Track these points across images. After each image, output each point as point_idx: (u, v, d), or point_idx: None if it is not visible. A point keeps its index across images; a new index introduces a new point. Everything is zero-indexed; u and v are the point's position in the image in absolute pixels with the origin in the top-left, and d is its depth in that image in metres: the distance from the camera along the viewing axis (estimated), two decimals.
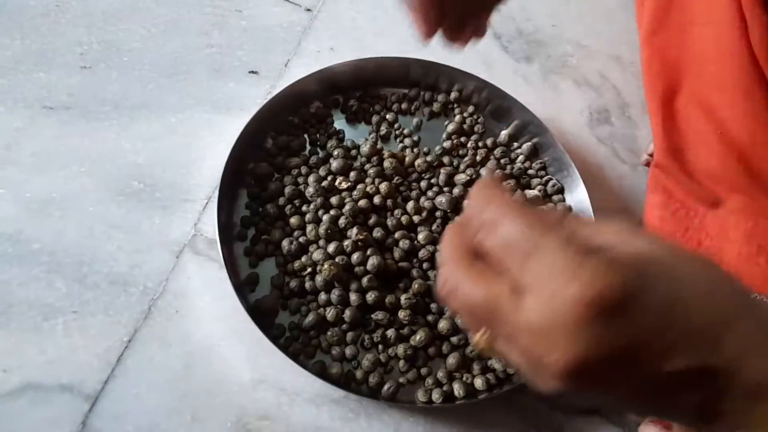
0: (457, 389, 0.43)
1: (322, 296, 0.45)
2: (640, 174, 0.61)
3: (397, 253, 0.47)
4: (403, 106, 0.57)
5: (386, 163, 0.51)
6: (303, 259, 0.47)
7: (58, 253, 0.46)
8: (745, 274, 0.50)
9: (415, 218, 0.49)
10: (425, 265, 0.48)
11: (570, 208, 0.54)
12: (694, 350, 0.22)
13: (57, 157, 0.50)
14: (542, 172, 0.55)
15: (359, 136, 0.55)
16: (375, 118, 0.56)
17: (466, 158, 0.54)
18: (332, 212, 0.48)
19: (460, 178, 0.51)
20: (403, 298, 0.45)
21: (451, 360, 0.45)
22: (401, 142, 0.56)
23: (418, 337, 0.44)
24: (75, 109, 0.52)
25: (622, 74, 0.67)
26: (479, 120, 0.58)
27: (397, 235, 0.48)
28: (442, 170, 0.51)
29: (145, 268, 0.47)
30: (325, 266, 0.44)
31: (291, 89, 0.52)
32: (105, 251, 0.47)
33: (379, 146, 0.53)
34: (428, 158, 0.53)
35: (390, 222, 0.49)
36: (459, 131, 0.57)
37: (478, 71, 0.56)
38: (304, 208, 0.49)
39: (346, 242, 0.46)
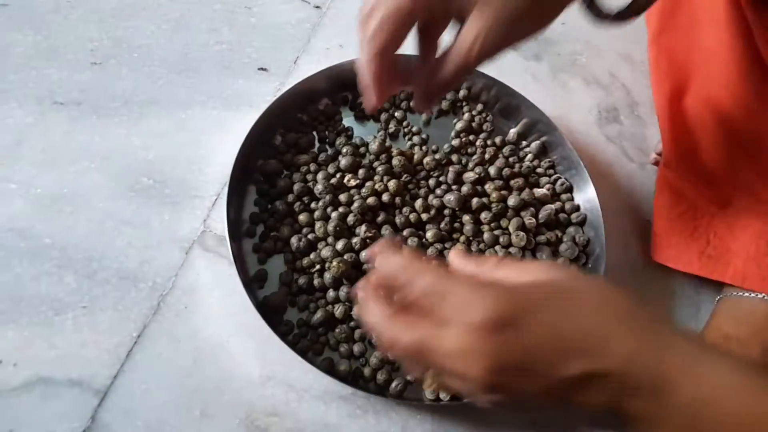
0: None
1: (331, 293, 0.45)
2: (649, 173, 0.61)
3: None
4: (412, 103, 0.57)
5: (395, 161, 0.51)
6: (311, 256, 0.47)
7: (69, 249, 0.46)
8: (753, 273, 0.49)
9: (424, 216, 0.49)
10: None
11: (579, 207, 0.53)
12: (584, 356, 0.27)
13: (67, 152, 0.50)
14: (551, 171, 0.55)
15: (368, 133, 0.55)
16: (384, 116, 0.56)
17: (475, 156, 0.54)
18: (341, 209, 0.48)
19: (469, 176, 0.51)
20: None
21: None
22: (410, 139, 0.56)
23: None
24: (85, 105, 0.52)
25: (632, 73, 0.67)
26: (488, 118, 0.57)
27: (405, 232, 0.48)
28: (451, 168, 0.51)
29: (154, 264, 0.47)
30: (334, 263, 0.44)
31: (300, 86, 0.52)
32: (115, 247, 0.47)
33: (387, 144, 0.53)
34: (437, 156, 0.53)
35: (398, 220, 0.49)
36: (468, 129, 0.57)
37: (486, 69, 0.56)
38: (312, 205, 0.49)
39: (355, 239, 0.46)
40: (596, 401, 0.27)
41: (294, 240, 0.47)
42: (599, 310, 0.28)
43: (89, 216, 0.48)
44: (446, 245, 0.49)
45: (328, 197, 0.48)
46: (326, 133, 0.54)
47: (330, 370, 0.43)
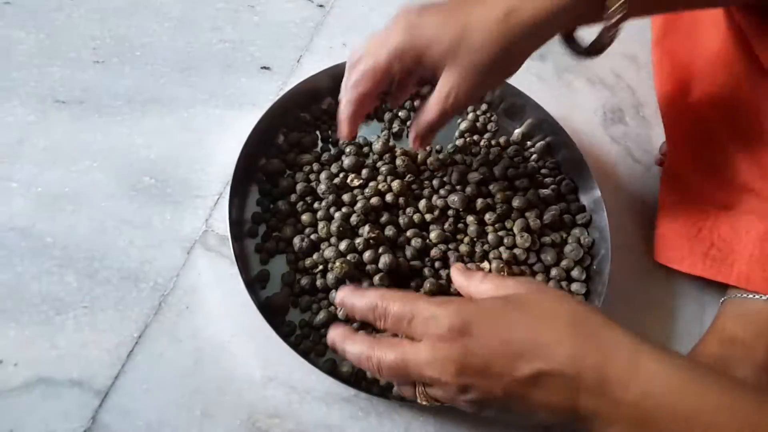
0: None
1: (333, 294, 0.45)
2: (654, 174, 0.60)
3: (409, 252, 0.47)
4: (416, 103, 0.56)
5: (398, 161, 0.50)
6: (314, 256, 0.46)
7: (70, 248, 0.46)
8: (758, 275, 0.49)
9: (428, 216, 0.49)
10: (437, 264, 0.47)
11: (584, 207, 0.53)
12: (534, 357, 0.30)
13: (69, 151, 0.50)
14: (555, 171, 0.55)
15: (371, 133, 0.55)
16: (387, 116, 0.56)
17: (479, 156, 0.54)
18: (344, 210, 0.47)
19: (473, 176, 0.50)
20: None
21: None
22: None
23: None
24: (87, 103, 0.52)
25: (637, 73, 0.67)
26: (492, 118, 0.57)
27: (409, 233, 0.48)
28: (455, 168, 0.51)
29: (156, 263, 0.47)
30: (337, 264, 0.44)
31: (303, 85, 0.51)
32: (116, 246, 0.47)
33: (391, 143, 0.53)
34: (441, 156, 0.53)
35: (402, 220, 0.48)
36: (472, 129, 0.56)
37: None
38: (315, 205, 0.49)
39: (358, 240, 0.46)
40: (552, 400, 0.31)
41: (296, 240, 0.46)
42: (551, 318, 0.32)
43: (91, 215, 0.47)
44: (450, 246, 0.48)
45: (331, 197, 0.48)
46: (329, 132, 0.54)
47: (332, 371, 0.43)
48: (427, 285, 0.45)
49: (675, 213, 0.55)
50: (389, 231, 0.47)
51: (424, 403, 0.35)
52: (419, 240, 0.47)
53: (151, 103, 0.53)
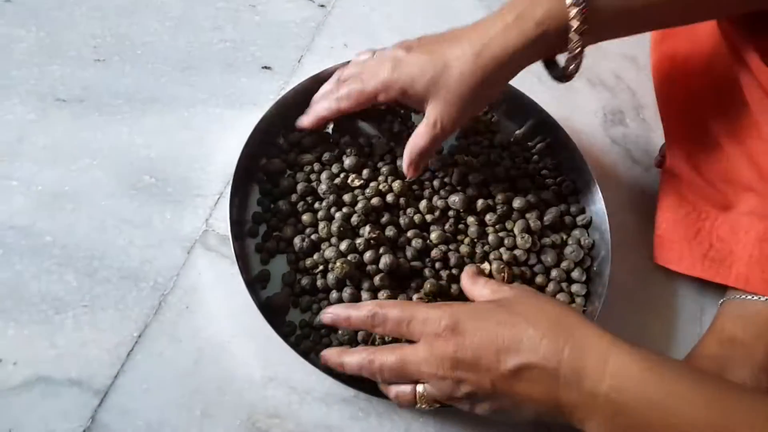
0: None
1: (334, 294, 0.45)
2: (654, 176, 0.60)
3: (409, 252, 0.47)
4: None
5: (399, 161, 0.50)
6: (315, 256, 0.46)
7: (70, 247, 0.46)
8: (756, 276, 0.49)
9: (428, 217, 0.49)
10: (437, 265, 0.47)
11: (584, 209, 0.53)
12: (517, 353, 0.34)
13: (69, 150, 0.50)
14: (556, 173, 0.55)
15: (372, 133, 0.55)
16: (388, 116, 0.55)
17: (480, 157, 0.54)
18: (345, 210, 0.47)
19: (474, 177, 0.50)
20: (414, 297, 0.45)
21: None
22: None
23: None
24: (88, 102, 0.52)
25: (637, 75, 0.67)
26: (493, 119, 0.57)
27: (409, 233, 0.48)
28: (456, 169, 0.51)
29: (156, 263, 0.46)
30: (337, 264, 0.44)
31: (304, 85, 0.51)
32: (116, 245, 0.46)
33: (392, 144, 0.53)
34: (441, 156, 0.53)
35: (402, 221, 0.48)
36: (473, 130, 0.56)
37: None
38: (316, 205, 0.49)
39: (359, 240, 0.46)
40: (535, 392, 0.34)
41: (297, 240, 0.46)
42: (534, 318, 0.35)
43: (91, 214, 0.47)
44: (450, 247, 0.48)
45: (331, 197, 0.48)
46: (330, 132, 0.53)
47: (332, 371, 0.43)
48: (427, 286, 0.45)
49: (674, 214, 0.55)
50: (390, 231, 0.47)
51: (423, 406, 0.37)
52: (420, 240, 0.47)
53: (151, 102, 0.53)
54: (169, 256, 0.47)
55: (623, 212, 0.57)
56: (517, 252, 0.49)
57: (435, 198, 0.50)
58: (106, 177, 0.49)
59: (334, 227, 0.46)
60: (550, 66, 0.45)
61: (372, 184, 0.49)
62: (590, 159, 0.54)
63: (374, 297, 0.45)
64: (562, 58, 0.44)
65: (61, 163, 0.49)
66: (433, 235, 0.48)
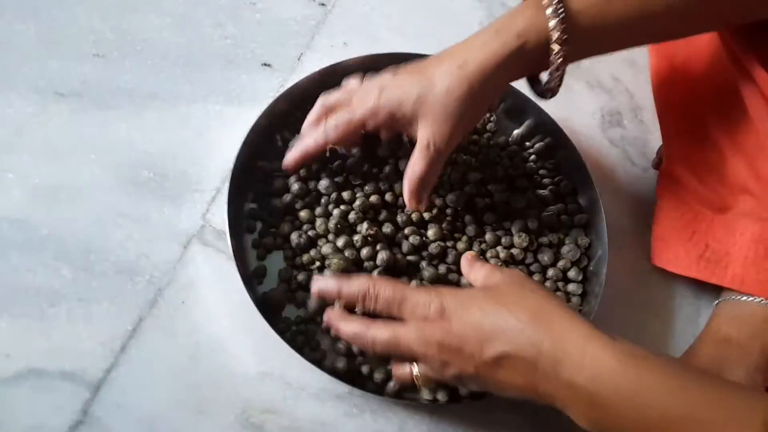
0: (463, 387, 0.43)
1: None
2: (651, 177, 0.60)
3: (405, 247, 0.47)
4: None
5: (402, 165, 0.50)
6: (311, 252, 0.46)
7: (66, 240, 0.46)
8: (752, 277, 0.49)
9: (426, 215, 0.49)
10: (435, 261, 0.47)
11: (582, 209, 0.53)
12: (498, 341, 0.35)
13: (67, 144, 0.50)
14: (554, 173, 0.55)
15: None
16: None
17: (478, 156, 0.54)
18: (342, 207, 0.47)
19: (472, 176, 0.51)
20: (413, 284, 0.45)
21: None
22: None
23: None
24: (87, 96, 0.52)
25: (635, 77, 0.67)
26: (492, 118, 0.57)
27: (407, 231, 0.48)
28: (454, 168, 0.51)
29: (152, 257, 0.46)
30: (334, 260, 0.44)
31: (304, 83, 0.51)
32: (113, 240, 0.46)
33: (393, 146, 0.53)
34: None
35: (400, 218, 0.48)
36: (471, 129, 0.56)
37: None
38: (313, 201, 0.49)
39: (356, 237, 0.46)
40: (516, 380, 0.35)
41: (294, 236, 0.46)
42: (518, 307, 0.36)
43: (87, 208, 0.47)
44: (447, 244, 0.48)
45: (333, 194, 0.48)
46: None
47: (327, 367, 0.43)
48: (425, 273, 0.45)
49: (671, 215, 0.55)
50: (387, 228, 0.47)
51: (419, 383, 0.39)
52: (417, 237, 0.47)
53: (150, 97, 0.53)
54: (166, 251, 0.47)
55: (620, 213, 0.58)
56: (514, 251, 0.49)
57: (432, 196, 0.50)
58: (104, 171, 0.49)
59: (332, 224, 0.46)
60: (533, 83, 0.45)
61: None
62: (588, 160, 0.54)
63: None
64: (545, 76, 0.43)
65: (58, 157, 0.49)
66: (430, 232, 0.48)
